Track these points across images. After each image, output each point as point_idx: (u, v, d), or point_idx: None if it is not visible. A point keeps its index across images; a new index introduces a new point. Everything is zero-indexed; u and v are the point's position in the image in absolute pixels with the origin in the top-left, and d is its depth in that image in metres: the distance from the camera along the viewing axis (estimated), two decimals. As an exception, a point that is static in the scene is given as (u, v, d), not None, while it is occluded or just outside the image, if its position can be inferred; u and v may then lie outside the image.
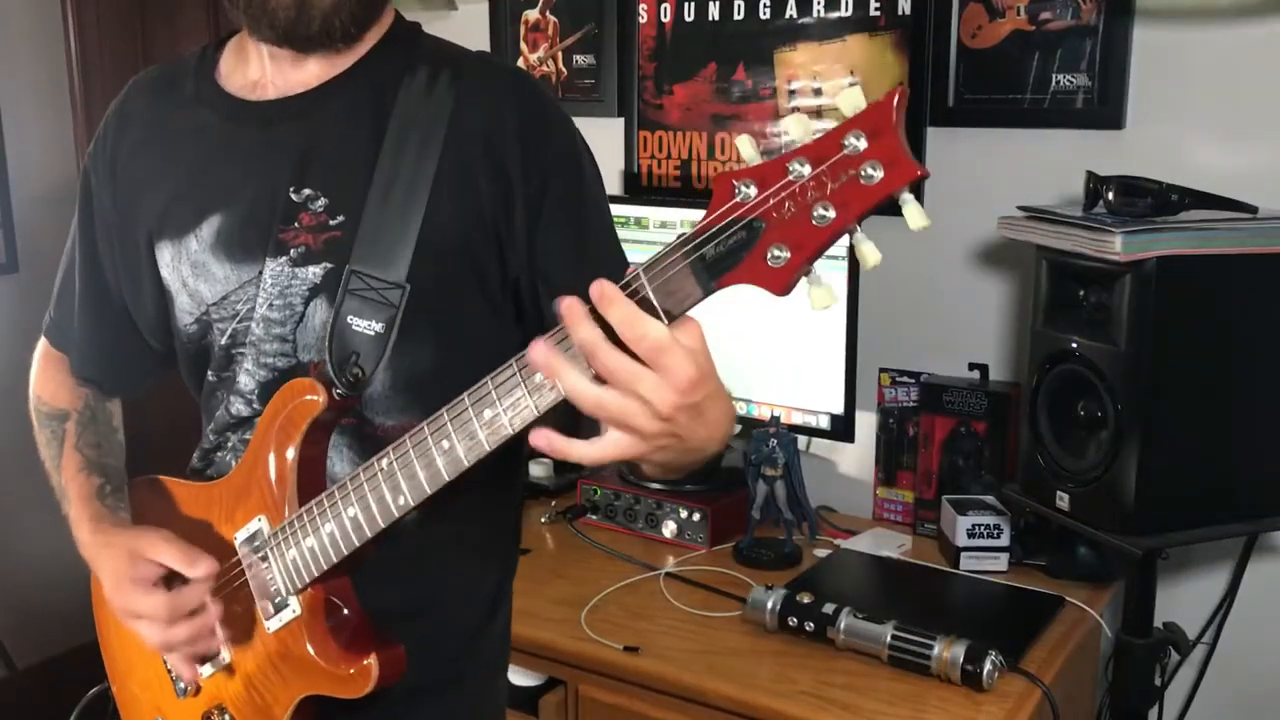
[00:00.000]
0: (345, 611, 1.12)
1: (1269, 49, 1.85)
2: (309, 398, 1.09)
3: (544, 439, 0.87)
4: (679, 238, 0.84)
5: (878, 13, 2.15)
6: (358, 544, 1.05)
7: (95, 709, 1.43)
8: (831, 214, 0.78)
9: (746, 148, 0.81)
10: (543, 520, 2.22)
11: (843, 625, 1.67)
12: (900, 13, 2.13)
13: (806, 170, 0.78)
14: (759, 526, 2.06)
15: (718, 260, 0.82)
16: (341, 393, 1.09)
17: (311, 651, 1.11)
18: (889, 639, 1.63)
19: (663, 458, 0.90)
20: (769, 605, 1.74)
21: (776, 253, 0.80)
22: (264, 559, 1.12)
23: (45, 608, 2.92)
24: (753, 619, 1.76)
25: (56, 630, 2.88)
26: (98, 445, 1.31)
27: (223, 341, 1.18)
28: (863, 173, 0.77)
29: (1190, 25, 1.90)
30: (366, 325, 1.09)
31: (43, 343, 1.38)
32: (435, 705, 1.25)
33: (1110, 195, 1.66)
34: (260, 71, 1.18)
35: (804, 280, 0.82)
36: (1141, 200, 1.64)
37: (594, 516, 2.20)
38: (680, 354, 0.83)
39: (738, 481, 2.14)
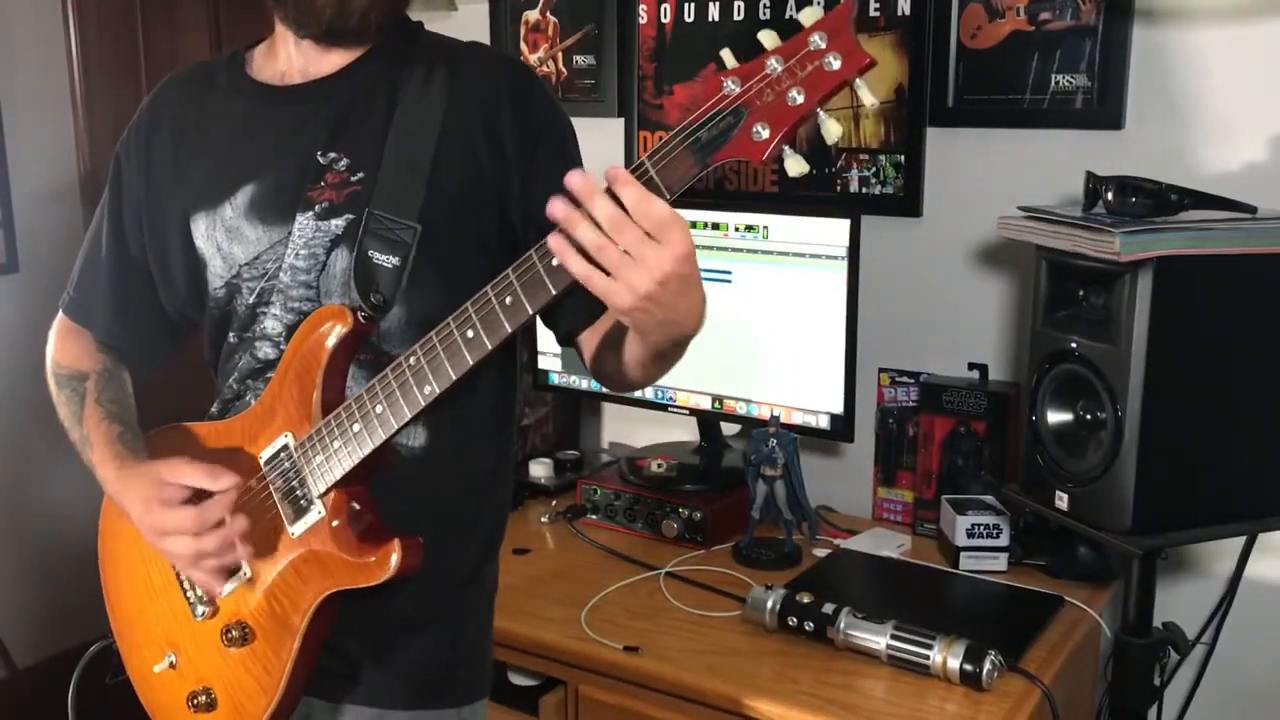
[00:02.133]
0: (364, 513, 1.21)
1: (1269, 49, 1.85)
2: (335, 321, 1.20)
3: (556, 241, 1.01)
4: (678, 128, 1.00)
5: (877, 13, 2.15)
6: (385, 437, 1.16)
7: (97, 666, 1.45)
8: (802, 97, 0.96)
9: (729, 59, 0.99)
10: (543, 520, 2.22)
11: (842, 625, 1.67)
12: (900, 13, 2.13)
13: (780, 66, 0.96)
14: (759, 526, 2.06)
15: (711, 141, 0.98)
16: (366, 314, 1.21)
17: (335, 547, 1.20)
18: (888, 639, 1.63)
19: (648, 322, 1.03)
20: (769, 605, 1.74)
21: (759, 130, 0.97)
22: (291, 468, 1.22)
23: (45, 607, 2.92)
24: (752, 619, 1.76)
25: (57, 629, 2.88)
26: (116, 400, 1.40)
27: (250, 300, 1.29)
28: (825, 63, 0.96)
29: (1190, 25, 1.90)
30: (385, 259, 1.22)
31: (60, 319, 1.47)
32: (427, 641, 1.33)
33: (1110, 195, 1.67)
34: (288, 63, 1.32)
35: (784, 153, 0.99)
36: (1141, 200, 1.64)
37: (594, 516, 2.20)
38: (679, 228, 0.99)
39: (738, 481, 2.14)
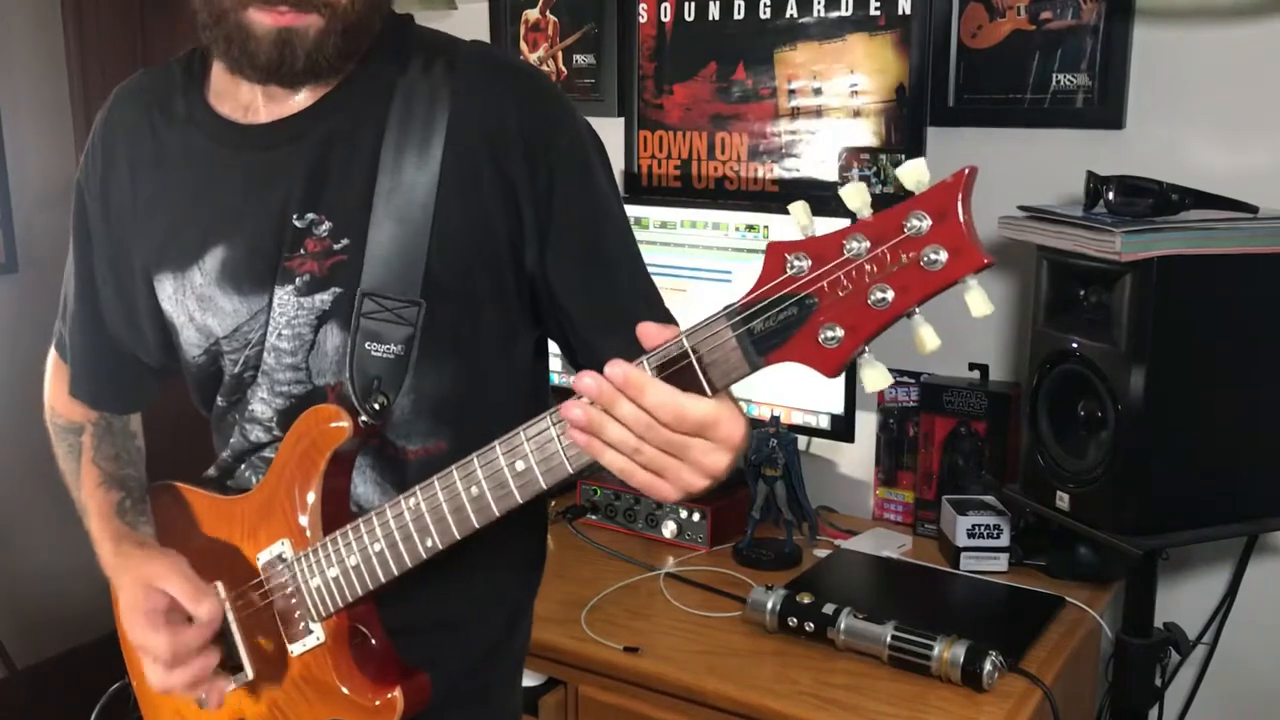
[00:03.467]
0: (370, 640, 1.11)
1: (1269, 49, 1.85)
2: (334, 425, 1.06)
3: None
4: (727, 307, 0.79)
5: (878, 12, 2.15)
6: (384, 580, 1.04)
7: (115, 704, 1.43)
8: (890, 296, 0.74)
9: (802, 216, 0.77)
10: (543, 520, 2.22)
11: (843, 625, 1.67)
12: (900, 12, 2.12)
13: (864, 247, 0.74)
14: (759, 526, 2.06)
15: (766, 336, 0.78)
16: (367, 421, 1.07)
17: (336, 680, 1.10)
18: (889, 639, 1.63)
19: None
20: (769, 605, 1.73)
21: (828, 333, 0.76)
22: (287, 584, 1.11)
23: (45, 608, 2.92)
24: (753, 619, 1.76)
25: (56, 631, 2.88)
26: (115, 457, 1.29)
27: (234, 370, 1.16)
28: (925, 257, 0.73)
29: (1190, 25, 1.90)
30: (385, 349, 1.06)
31: (53, 353, 1.36)
32: (458, 717, 1.23)
33: (1110, 195, 1.66)
34: (250, 95, 1.13)
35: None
36: (1141, 200, 1.64)
37: (594, 516, 2.20)
38: (726, 421, 0.83)
39: (738, 481, 2.14)
